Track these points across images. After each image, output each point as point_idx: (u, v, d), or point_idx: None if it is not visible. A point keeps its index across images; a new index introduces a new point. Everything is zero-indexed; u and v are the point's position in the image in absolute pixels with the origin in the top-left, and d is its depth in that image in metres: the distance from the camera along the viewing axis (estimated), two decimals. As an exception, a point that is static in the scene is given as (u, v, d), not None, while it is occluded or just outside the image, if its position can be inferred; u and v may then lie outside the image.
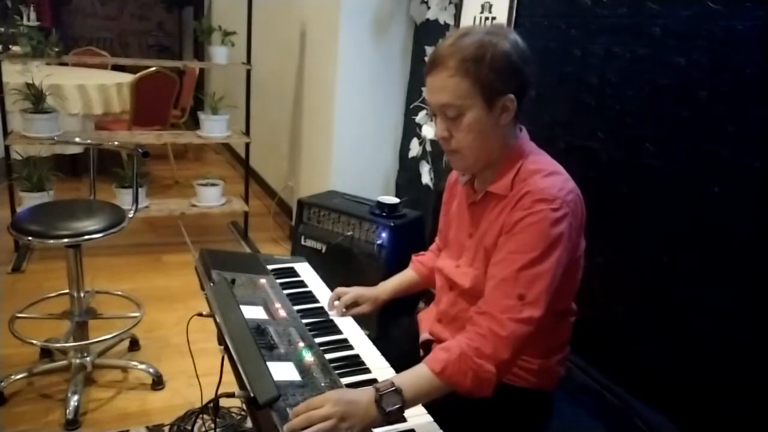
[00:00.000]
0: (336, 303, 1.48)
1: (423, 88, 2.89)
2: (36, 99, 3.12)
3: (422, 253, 1.66)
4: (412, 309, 2.03)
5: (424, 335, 1.45)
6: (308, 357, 1.18)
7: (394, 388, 1.03)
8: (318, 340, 1.28)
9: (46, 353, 2.34)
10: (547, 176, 1.20)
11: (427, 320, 1.47)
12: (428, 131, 2.84)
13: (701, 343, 1.52)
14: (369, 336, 1.38)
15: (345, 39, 2.94)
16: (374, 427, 1.02)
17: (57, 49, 3.21)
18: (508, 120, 1.22)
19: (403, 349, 1.43)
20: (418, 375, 1.09)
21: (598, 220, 1.33)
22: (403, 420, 1.07)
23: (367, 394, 1.03)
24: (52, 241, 2.00)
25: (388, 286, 1.58)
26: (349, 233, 2.50)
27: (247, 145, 3.70)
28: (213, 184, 3.60)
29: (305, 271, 1.67)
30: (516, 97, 1.19)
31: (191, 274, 1.42)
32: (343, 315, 1.46)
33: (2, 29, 3.22)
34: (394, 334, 1.61)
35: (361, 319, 1.47)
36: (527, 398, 1.30)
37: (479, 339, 1.10)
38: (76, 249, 2.11)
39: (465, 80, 1.16)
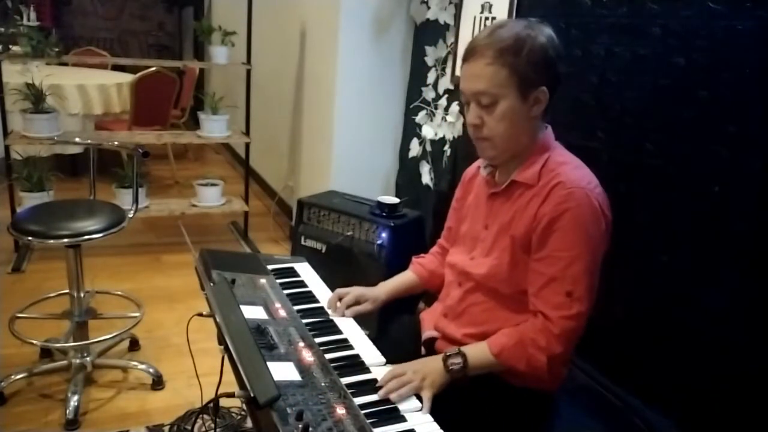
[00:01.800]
0: (338, 304, 1.48)
1: (423, 88, 2.89)
2: (36, 99, 3.12)
3: (422, 255, 1.66)
4: (412, 308, 2.03)
5: (427, 333, 1.46)
6: (309, 357, 1.18)
7: (457, 351, 1.23)
8: (318, 340, 1.28)
9: (46, 353, 2.34)
10: (576, 168, 1.26)
11: (430, 318, 1.48)
12: (428, 131, 2.84)
13: (701, 343, 1.52)
14: (369, 336, 1.38)
15: (345, 39, 2.94)
16: (444, 383, 1.20)
17: (57, 49, 3.21)
18: (540, 112, 1.26)
19: (404, 348, 1.43)
20: (481, 350, 1.24)
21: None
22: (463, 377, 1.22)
23: (436, 357, 1.24)
24: (52, 241, 2.00)
25: (387, 287, 1.58)
26: (349, 233, 2.50)
27: (247, 145, 3.70)
28: (213, 184, 3.60)
29: (305, 271, 1.67)
30: (548, 91, 1.24)
31: (191, 274, 1.42)
32: (344, 315, 1.46)
33: (2, 29, 3.22)
34: (395, 334, 1.61)
35: (361, 319, 1.46)
36: (528, 399, 1.30)
37: (536, 332, 1.21)
38: (76, 249, 2.11)
39: (503, 69, 1.20)
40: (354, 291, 1.50)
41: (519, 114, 1.24)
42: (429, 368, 1.20)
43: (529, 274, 1.26)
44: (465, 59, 1.26)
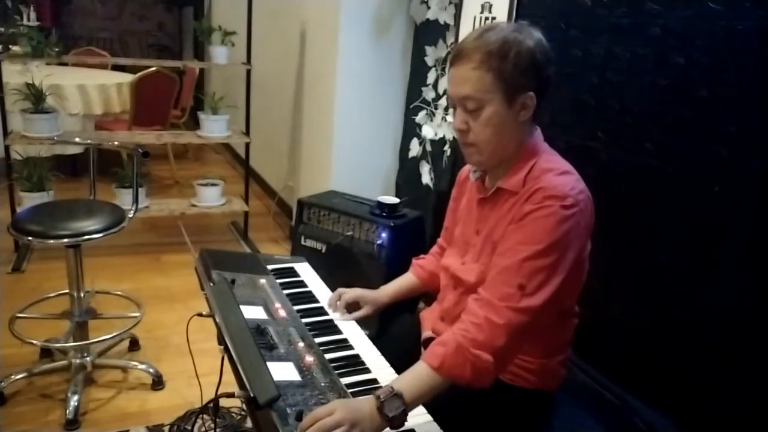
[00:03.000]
0: (338, 303, 1.48)
1: (423, 88, 2.89)
2: (36, 99, 3.12)
3: (422, 256, 1.66)
4: (413, 308, 2.03)
5: (426, 333, 1.45)
6: (309, 357, 1.18)
7: (394, 393, 1.03)
8: (318, 340, 1.28)
9: (46, 353, 2.34)
10: (560, 175, 1.21)
11: (429, 319, 1.47)
12: (428, 131, 2.84)
13: (701, 343, 1.52)
14: (369, 335, 1.38)
15: (345, 39, 2.94)
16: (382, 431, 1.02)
17: (57, 49, 3.21)
18: (527, 117, 1.23)
19: (404, 347, 1.43)
20: (418, 374, 1.09)
21: (597, 220, 1.33)
22: (404, 422, 1.05)
23: (368, 402, 1.03)
24: (52, 241, 2.00)
25: (388, 290, 1.58)
26: (349, 233, 2.50)
27: (247, 145, 3.70)
28: (213, 184, 3.61)
29: (305, 271, 1.67)
30: (536, 96, 1.21)
31: (191, 274, 1.42)
32: (344, 318, 1.46)
33: (2, 29, 3.22)
34: (396, 333, 1.61)
35: (361, 319, 1.47)
36: (528, 399, 1.30)
37: (475, 329, 1.10)
38: (76, 249, 2.11)
39: (488, 74, 1.17)
40: (354, 291, 1.51)
41: (505, 119, 1.21)
42: (361, 414, 1.01)
43: (489, 269, 1.20)
44: (452, 62, 1.24)
